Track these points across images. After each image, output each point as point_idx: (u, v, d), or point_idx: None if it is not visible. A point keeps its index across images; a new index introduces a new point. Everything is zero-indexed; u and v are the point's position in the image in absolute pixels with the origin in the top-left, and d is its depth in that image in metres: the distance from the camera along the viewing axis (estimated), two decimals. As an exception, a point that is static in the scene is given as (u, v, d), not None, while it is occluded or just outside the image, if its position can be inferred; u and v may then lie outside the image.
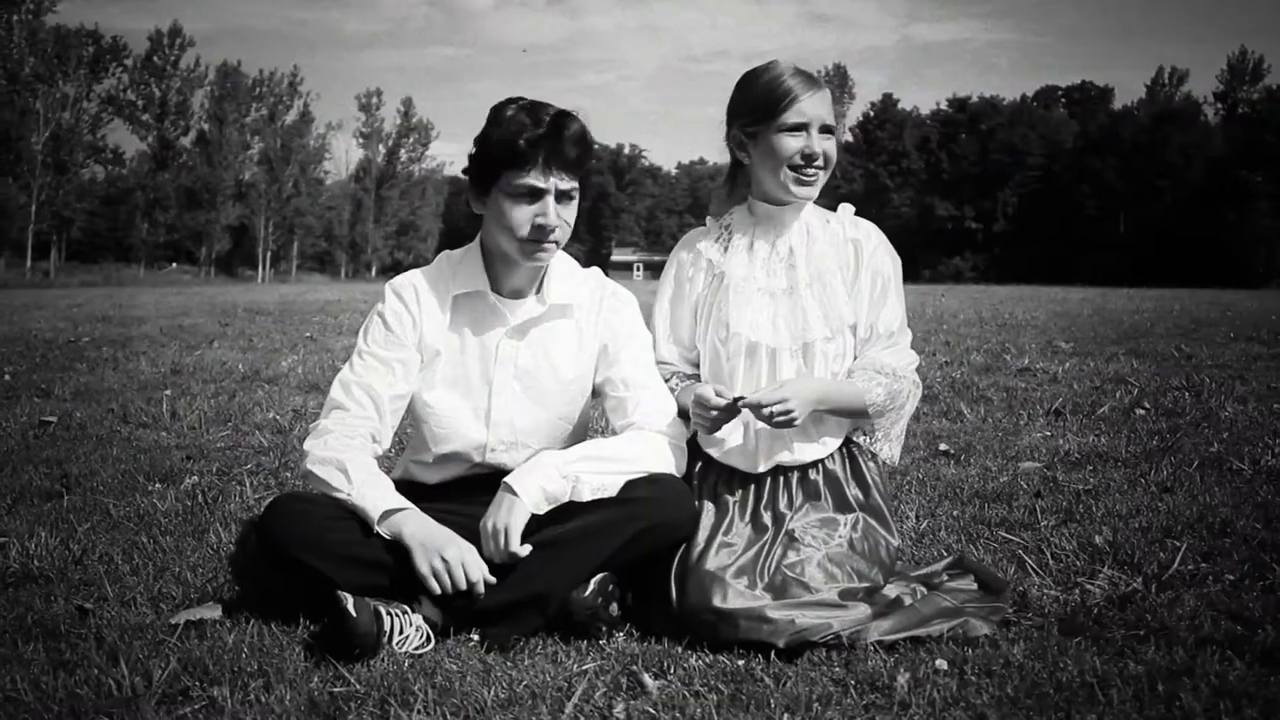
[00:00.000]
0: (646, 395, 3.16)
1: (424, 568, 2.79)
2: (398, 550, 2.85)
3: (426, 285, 3.19)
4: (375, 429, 3.09)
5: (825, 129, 3.13)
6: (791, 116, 3.09)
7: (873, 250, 3.25)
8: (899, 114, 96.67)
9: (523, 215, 2.98)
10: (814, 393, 3.06)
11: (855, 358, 3.24)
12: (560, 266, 3.19)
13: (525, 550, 2.82)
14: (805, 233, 3.25)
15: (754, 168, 3.21)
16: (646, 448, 3.05)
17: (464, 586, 2.78)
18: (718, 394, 3.02)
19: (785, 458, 3.15)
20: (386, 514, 2.87)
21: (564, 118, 2.98)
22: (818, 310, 3.17)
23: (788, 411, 2.96)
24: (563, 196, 3.01)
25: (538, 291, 3.17)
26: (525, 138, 2.92)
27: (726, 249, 3.27)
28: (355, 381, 3.10)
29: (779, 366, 3.17)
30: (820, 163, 3.13)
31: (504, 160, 2.95)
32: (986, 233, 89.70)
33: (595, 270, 3.33)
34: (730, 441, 3.19)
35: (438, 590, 2.78)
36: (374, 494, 2.90)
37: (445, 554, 2.79)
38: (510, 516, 2.83)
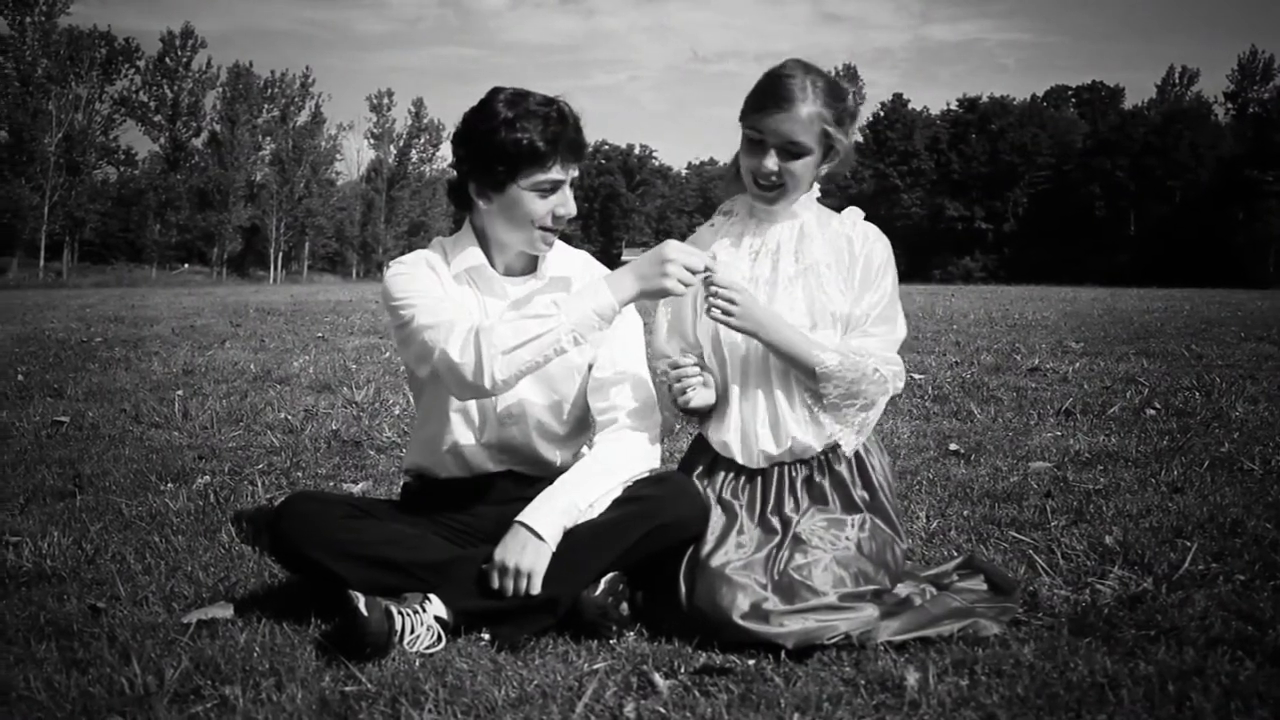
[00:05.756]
0: (628, 380, 3.15)
1: (673, 284, 2.84)
2: (410, 548, 2.87)
3: (435, 259, 3.17)
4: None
5: (788, 149, 3.06)
6: (750, 133, 3.10)
7: (865, 244, 3.21)
8: (909, 114, 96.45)
9: (544, 207, 3.01)
10: (765, 313, 3.07)
11: None
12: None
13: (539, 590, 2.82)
14: (797, 230, 3.23)
15: None
16: (633, 451, 3.06)
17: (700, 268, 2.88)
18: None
19: (785, 446, 3.15)
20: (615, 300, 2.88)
21: (566, 108, 3.02)
22: (802, 303, 3.15)
23: (730, 300, 2.99)
24: (572, 182, 3.06)
25: (534, 269, 3.19)
26: (547, 138, 2.94)
27: (722, 236, 3.28)
28: (428, 321, 2.96)
29: (752, 354, 3.17)
30: (776, 179, 3.10)
31: (526, 160, 2.94)
32: (996, 233, 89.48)
33: (582, 252, 3.34)
34: (726, 435, 3.20)
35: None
36: (579, 305, 2.87)
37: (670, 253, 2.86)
38: (536, 561, 2.82)
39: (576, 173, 3.05)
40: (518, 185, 2.99)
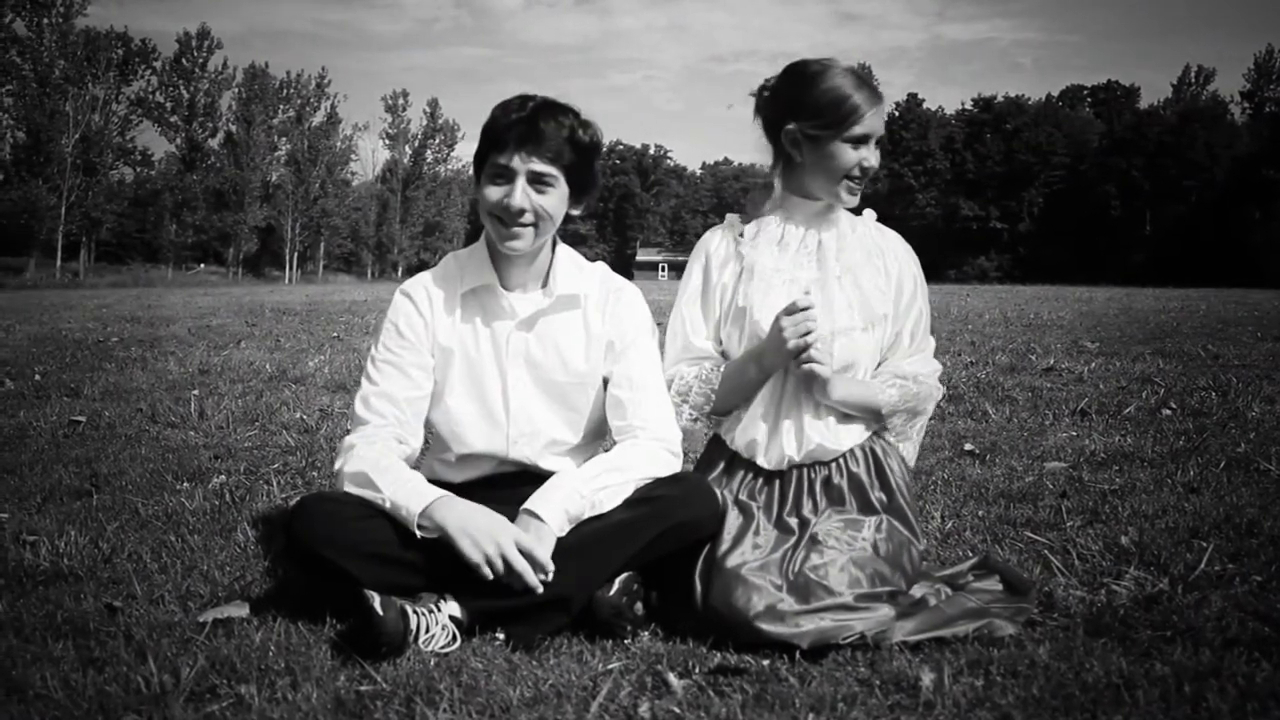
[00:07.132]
0: (646, 397, 3.16)
1: (475, 557, 2.76)
2: (424, 548, 2.86)
3: (435, 286, 3.22)
4: (399, 433, 3.10)
5: (878, 141, 3.20)
6: (858, 130, 3.13)
7: (899, 257, 3.32)
8: (924, 114, 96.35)
9: (493, 194, 3.03)
10: (839, 379, 3.15)
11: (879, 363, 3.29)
12: (565, 260, 3.21)
13: (552, 574, 2.80)
14: (836, 229, 3.28)
15: (805, 168, 3.20)
16: (649, 456, 3.05)
17: (524, 573, 2.76)
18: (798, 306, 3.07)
19: (807, 449, 3.15)
20: (424, 513, 2.84)
21: (549, 106, 3.03)
22: (846, 303, 3.18)
23: (819, 364, 3.06)
24: (537, 180, 3.02)
25: (544, 285, 3.20)
26: (503, 120, 2.99)
27: (755, 240, 3.27)
28: (374, 392, 3.14)
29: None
30: (870, 174, 3.23)
31: (488, 143, 3.03)
32: (1012, 232, 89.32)
33: (600, 265, 3.34)
34: (755, 433, 3.20)
35: (490, 577, 2.77)
36: (404, 497, 2.88)
37: (499, 540, 2.77)
38: (537, 543, 2.80)
39: (540, 168, 3.00)
40: (484, 171, 3.06)
